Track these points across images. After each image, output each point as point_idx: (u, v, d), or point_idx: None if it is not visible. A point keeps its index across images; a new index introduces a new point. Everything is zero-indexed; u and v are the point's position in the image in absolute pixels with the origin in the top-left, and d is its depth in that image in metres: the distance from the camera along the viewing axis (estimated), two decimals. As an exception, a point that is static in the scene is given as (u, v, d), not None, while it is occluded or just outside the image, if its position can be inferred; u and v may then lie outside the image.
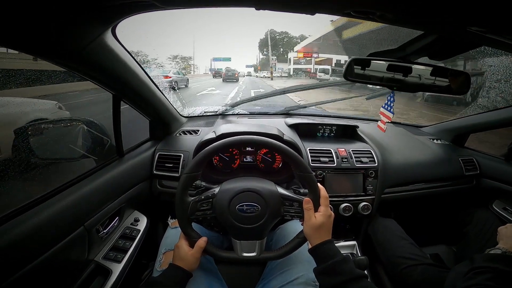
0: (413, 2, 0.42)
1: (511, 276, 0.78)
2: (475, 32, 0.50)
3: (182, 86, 12.85)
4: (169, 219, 1.09)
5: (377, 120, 1.89)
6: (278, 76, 35.96)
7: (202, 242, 0.80)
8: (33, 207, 0.77)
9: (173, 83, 10.95)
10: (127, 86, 0.99)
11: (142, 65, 0.99)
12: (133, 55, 0.91)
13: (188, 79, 15.41)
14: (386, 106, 1.01)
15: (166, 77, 11.13)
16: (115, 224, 1.07)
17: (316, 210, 0.79)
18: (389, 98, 0.98)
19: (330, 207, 0.84)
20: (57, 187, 0.87)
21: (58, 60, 0.71)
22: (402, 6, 0.45)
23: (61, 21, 0.55)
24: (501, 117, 1.46)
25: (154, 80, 1.11)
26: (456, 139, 1.70)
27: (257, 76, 36.77)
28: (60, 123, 1.04)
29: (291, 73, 39.41)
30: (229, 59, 45.62)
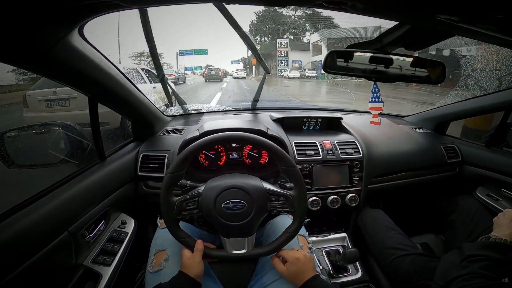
0: None
1: (503, 263, 0.80)
2: (445, 21, 0.51)
3: (181, 83, 15.97)
4: (158, 219, 1.08)
5: (361, 112, 1.93)
6: (297, 78, 20.93)
7: (199, 245, 0.81)
8: (13, 214, 0.75)
9: (176, 79, 15.03)
10: (102, 88, 0.96)
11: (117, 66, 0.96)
12: (106, 56, 0.88)
13: (185, 77, 19.01)
14: (373, 99, 1.00)
15: (171, 75, 15.01)
16: (102, 228, 1.06)
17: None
18: (373, 90, 0.98)
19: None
20: (37, 193, 0.85)
21: (23, 64, 0.69)
22: None
23: (22, 23, 0.53)
24: (479, 104, 1.50)
25: (132, 81, 1.09)
26: (437, 127, 1.73)
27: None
28: (36, 129, 1.01)
29: (318, 70, 21.41)
30: (203, 52, 29.48)
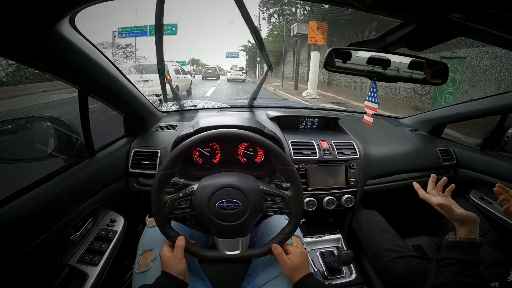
0: None
1: (474, 264, 0.75)
2: (455, 19, 0.49)
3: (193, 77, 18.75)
4: (147, 217, 1.06)
5: (358, 112, 1.92)
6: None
7: (180, 241, 0.77)
8: None
9: (191, 74, 16.99)
10: (93, 81, 0.93)
11: (110, 58, 0.93)
12: (98, 47, 0.84)
13: (195, 73, 24.15)
14: (370, 98, 0.98)
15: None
16: (89, 226, 1.03)
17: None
18: (371, 89, 0.96)
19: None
20: (20, 189, 0.81)
21: (10, 55, 0.64)
22: None
23: (10, 9, 0.49)
24: (476, 108, 1.50)
25: (125, 74, 1.06)
26: (433, 130, 1.74)
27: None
28: (22, 121, 0.96)
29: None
30: (169, 30, 12.99)
